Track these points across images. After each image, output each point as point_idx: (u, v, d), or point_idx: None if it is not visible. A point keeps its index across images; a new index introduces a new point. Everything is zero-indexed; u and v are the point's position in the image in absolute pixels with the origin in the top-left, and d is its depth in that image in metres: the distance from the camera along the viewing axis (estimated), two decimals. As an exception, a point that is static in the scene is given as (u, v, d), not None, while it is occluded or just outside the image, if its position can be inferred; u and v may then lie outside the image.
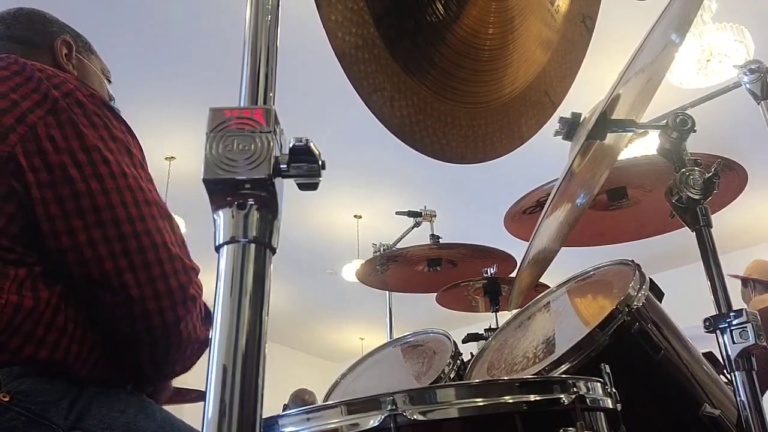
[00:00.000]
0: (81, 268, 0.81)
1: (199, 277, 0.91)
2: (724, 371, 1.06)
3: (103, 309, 0.82)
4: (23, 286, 0.79)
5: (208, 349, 0.46)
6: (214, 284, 0.47)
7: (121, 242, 0.81)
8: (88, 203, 0.81)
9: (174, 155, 4.78)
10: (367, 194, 5.41)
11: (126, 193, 0.84)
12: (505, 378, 1.19)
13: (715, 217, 1.02)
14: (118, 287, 0.81)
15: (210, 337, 0.88)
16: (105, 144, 0.85)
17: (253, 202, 0.49)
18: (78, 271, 0.81)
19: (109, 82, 1.18)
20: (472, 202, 5.42)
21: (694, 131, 1.04)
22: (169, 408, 1.04)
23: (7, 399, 0.73)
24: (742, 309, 0.95)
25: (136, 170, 0.88)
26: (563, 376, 1.02)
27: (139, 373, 0.90)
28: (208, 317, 0.94)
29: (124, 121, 0.93)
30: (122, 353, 0.86)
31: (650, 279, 1.23)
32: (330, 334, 8.47)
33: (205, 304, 0.93)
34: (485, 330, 2.12)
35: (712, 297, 0.98)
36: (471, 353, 1.54)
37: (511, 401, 0.80)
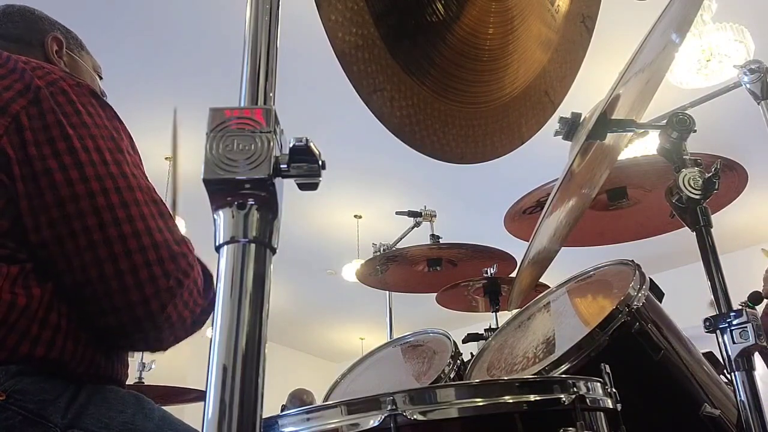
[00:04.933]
0: (64, 260, 0.79)
1: (193, 253, 0.88)
2: (724, 371, 1.06)
3: (89, 303, 0.81)
4: (15, 283, 0.78)
5: (208, 349, 0.45)
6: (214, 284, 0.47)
7: (101, 231, 0.79)
8: (68, 193, 0.79)
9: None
10: (367, 194, 5.41)
11: (107, 180, 0.82)
12: (505, 378, 1.20)
13: (715, 217, 1.02)
14: (99, 279, 0.79)
15: (213, 299, 0.87)
16: (88, 131, 0.84)
17: (253, 202, 0.49)
18: (62, 265, 0.80)
19: (101, 78, 1.17)
20: (472, 202, 5.42)
21: (694, 131, 1.04)
22: (170, 408, 1.04)
23: (3, 398, 0.73)
24: (742, 309, 0.95)
25: (122, 156, 0.86)
26: (563, 376, 1.02)
27: (144, 350, 0.89)
28: (208, 282, 0.92)
29: (111, 108, 0.91)
30: (116, 345, 0.86)
31: (650, 279, 1.23)
32: (330, 334, 8.47)
33: (203, 272, 0.92)
34: (485, 330, 2.12)
35: (712, 297, 0.98)
36: (471, 353, 1.54)
37: (511, 401, 0.80)
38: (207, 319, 0.91)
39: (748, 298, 1.89)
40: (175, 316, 0.84)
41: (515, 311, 1.55)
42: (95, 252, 0.79)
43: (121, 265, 0.80)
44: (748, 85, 1.25)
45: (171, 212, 0.89)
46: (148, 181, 0.89)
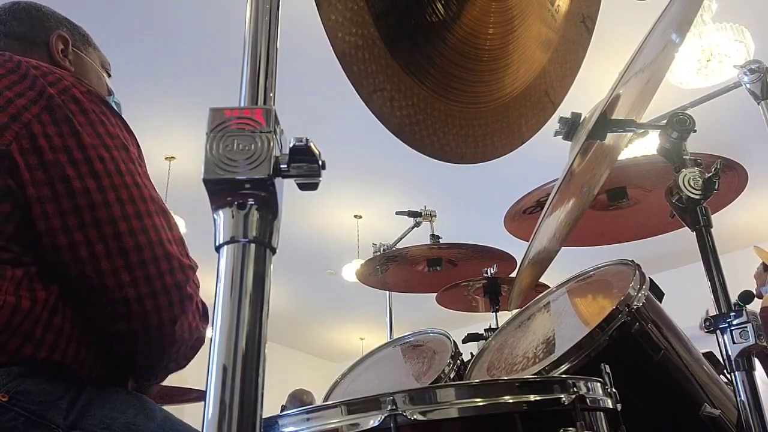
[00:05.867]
0: (77, 266, 0.80)
1: (196, 274, 0.91)
2: (724, 371, 1.06)
3: (100, 308, 0.82)
4: (20, 286, 0.78)
5: (208, 349, 0.45)
6: (214, 284, 0.47)
7: (117, 240, 0.81)
8: (85, 201, 0.80)
9: (174, 155, 4.78)
10: (367, 194, 5.41)
11: (122, 190, 0.83)
12: (505, 378, 1.20)
13: (715, 217, 1.02)
14: (115, 286, 0.80)
15: (207, 334, 0.88)
16: (102, 141, 0.85)
17: (253, 202, 0.49)
18: (74, 270, 0.80)
19: (109, 75, 1.17)
20: (472, 202, 5.42)
21: (694, 131, 1.04)
22: (170, 408, 1.04)
23: (6, 399, 0.73)
24: (742, 309, 0.95)
25: (134, 166, 0.87)
26: (563, 376, 1.02)
27: (134, 371, 0.90)
28: (205, 314, 0.93)
29: (121, 116, 0.92)
30: (119, 351, 0.86)
31: (650, 279, 1.23)
32: (330, 334, 8.47)
33: (201, 301, 0.93)
34: (485, 330, 2.11)
35: (712, 297, 0.98)
36: (471, 353, 1.54)
37: (511, 401, 0.80)
38: (195, 354, 0.93)
39: (738, 296, 1.89)
40: (179, 332, 0.85)
41: (515, 311, 1.55)
42: (112, 261, 0.80)
43: (136, 274, 0.81)
44: (748, 85, 1.25)
45: None
46: (156, 191, 0.90)
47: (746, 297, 1.96)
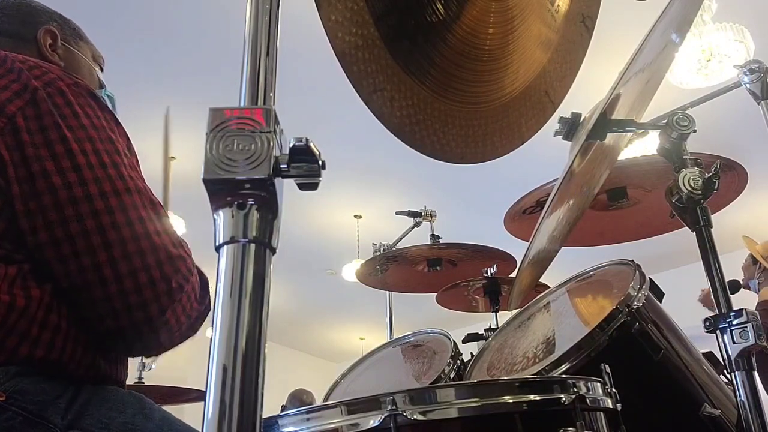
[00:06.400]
0: (61, 264, 0.79)
1: (191, 258, 0.88)
2: (724, 371, 1.06)
3: (87, 305, 0.81)
4: (14, 284, 0.77)
5: (208, 349, 0.45)
6: (214, 284, 0.47)
7: (100, 234, 0.79)
8: (66, 196, 0.79)
9: (174, 155, 4.77)
10: (367, 194, 5.41)
11: (105, 183, 0.81)
12: (505, 378, 1.20)
13: (715, 217, 1.02)
14: (98, 283, 0.79)
15: (208, 304, 0.86)
16: (86, 133, 0.83)
17: (253, 202, 0.49)
18: (58, 268, 0.79)
19: (101, 69, 1.16)
20: (472, 202, 5.42)
21: (694, 131, 1.04)
22: (169, 408, 1.04)
23: (3, 398, 0.72)
24: (742, 309, 0.95)
25: (120, 158, 0.85)
26: (563, 376, 1.02)
27: (135, 355, 0.89)
28: (204, 288, 0.92)
29: (109, 109, 0.91)
30: (114, 347, 0.86)
31: (650, 279, 1.23)
32: (330, 334, 8.47)
33: (200, 274, 0.91)
34: (485, 330, 2.12)
35: (712, 297, 0.99)
36: (471, 353, 1.54)
37: (511, 401, 0.80)
38: (201, 324, 0.91)
39: None
40: (173, 320, 0.84)
41: (515, 311, 1.55)
42: (94, 256, 0.79)
43: (120, 269, 0.79)
44: (748, 85, 1.25)
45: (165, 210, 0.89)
46: (144, 182, 0.88)
47: (732, 286, 1.95)
